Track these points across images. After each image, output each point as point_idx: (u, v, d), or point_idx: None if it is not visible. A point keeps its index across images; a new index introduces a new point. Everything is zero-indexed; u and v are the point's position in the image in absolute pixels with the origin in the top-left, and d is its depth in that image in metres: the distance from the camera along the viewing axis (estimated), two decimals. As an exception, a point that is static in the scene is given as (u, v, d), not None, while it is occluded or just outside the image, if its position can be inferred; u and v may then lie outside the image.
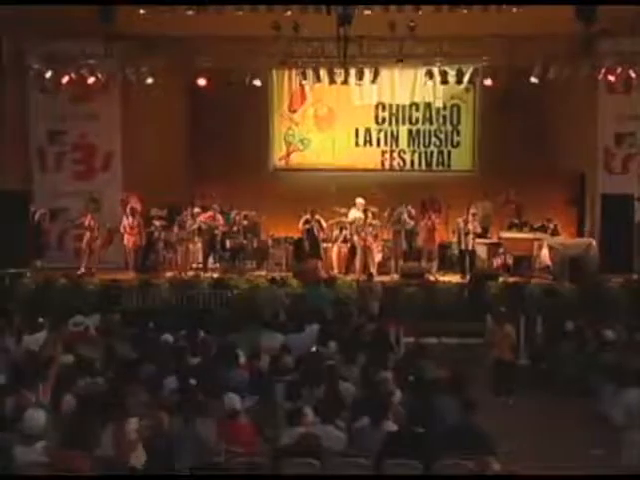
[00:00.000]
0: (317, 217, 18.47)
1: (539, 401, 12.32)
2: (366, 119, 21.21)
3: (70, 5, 15.11)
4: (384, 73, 19.53)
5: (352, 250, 18.19)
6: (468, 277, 17.46)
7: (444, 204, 19.26)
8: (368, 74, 18.58)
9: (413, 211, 18.42)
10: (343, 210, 18.74)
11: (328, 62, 18.16)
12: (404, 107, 21.11)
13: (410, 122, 21.17)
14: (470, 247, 17.85)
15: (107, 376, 9.61)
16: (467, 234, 17.79)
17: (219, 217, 18.43)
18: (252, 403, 9.00)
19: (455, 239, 18.42)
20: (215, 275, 17.66)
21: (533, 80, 17.82)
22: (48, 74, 17.78)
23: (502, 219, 19.46)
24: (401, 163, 21.33)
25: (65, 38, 17.38)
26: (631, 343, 12.66)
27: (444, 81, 18.94)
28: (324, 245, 18.57)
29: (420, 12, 15.61)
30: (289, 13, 15.67)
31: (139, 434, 7.38)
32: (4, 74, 18.01)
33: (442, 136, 21.20)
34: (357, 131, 21.25)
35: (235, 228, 18.38)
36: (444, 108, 21.08)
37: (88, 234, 17.88)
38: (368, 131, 21.23)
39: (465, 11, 15.48)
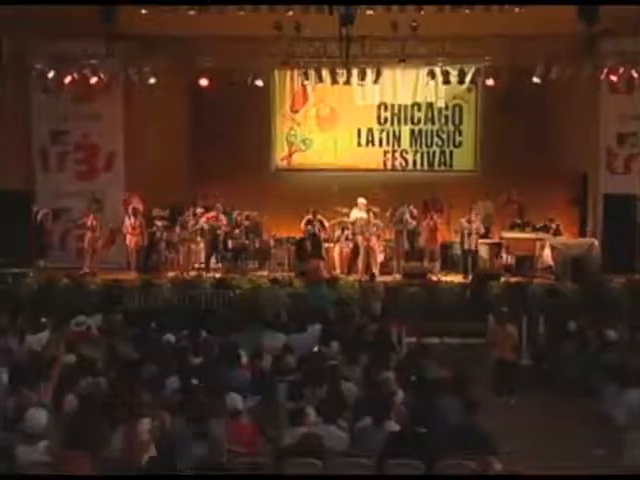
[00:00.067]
0: (319, 217, 18.51)
1: (541, 401, 12.31)
2: (368, 119, 21.21)
3: (72, 5, 15.12)
4: (386, 73, 19.55)
5: (354, 250, 18.19)
6: (470, 277, 17.46)
7: (446, 204, 19.27)
8: (370, 74, 18.59)
9: (415, 211, 18.43)
10: (345, 210, 18.75)
11: (330, 62, 18.14)
12: (406, 107, 21.11)
13: (412, 122, 21.17)
14: (473, 247, 17.85)
15: (109, 376, 9.61)
16: (470, 234, 17.79)
17: (222, 217, 18.43)
18: (254, 403, 8.98)
19: (458, 239, 18.44)
20: (217, 275, 17.67)
21: (535, 80, 17.81)
22: (50, 74, 17.80)
23: (504, 219, 19.45)
24: (403, 163, 21.33)
25: (67, 38, 17.40)
26: (633, 343, 12.66)
27: (446, 81, 18.91)
28: (326, 245, 18.56)
29: (422, 12, 15.60)
30: (291, 13, 15.67)
31: (151, 434, 7.36)
32: (6, 74, 18.00)
33: (444, 136, 21.20)
34: (359, 131, 21.25)
35: (237, 228, 18.39)
36: (446, 108, 21.08)
37: (90, 234, 17.90)
38: (370, 131, 21.23)
39: (467, 11, 15.47)
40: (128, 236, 18.24)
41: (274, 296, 16.04)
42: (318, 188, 19.71)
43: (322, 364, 10.00)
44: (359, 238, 17.96)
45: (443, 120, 21.14)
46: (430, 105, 21.05)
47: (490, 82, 18.63)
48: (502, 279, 17.33)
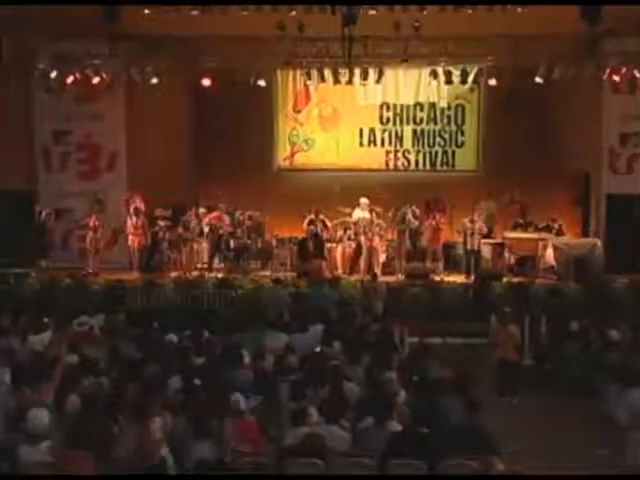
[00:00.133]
0: (321, 217, 18.49)
1: (543, 401, 12.31)
2: (370, 119, 21.20)
3: (75, 5, 15.13)
4: (388, 73, 19.57)
5: (356, 250, 18.19)
6: (473, 277, 17.45)
7: (448, 204, 19.25)
8: (372, 74, 18.56)
9: (417, 211, 18.41)
10: (347, 210, 18.75)
11: (333, 62, 18.13)
12: (408, 107, 21.09)
13: (414, 122, 21.16)
14: (476, 247, 17.83)
15: (111, 376, 9.62)
16: (473, 234, 17.77)
17: (225, 217, 18.44)
18: (256, 403, 8.99)
19: (460, 239, 18.41)
20: (219, 275, 17.68)
21: (538, 80, 17.78)
22: (53, 74, 17.79)
23: (506, 219, 19.42)
24: (405, 163, 21.31)
25: (70, 38, 17.40)
26: (636, 343, 12.65)
27: (448, 81, 18.90)
28: (328, 245, 18.56)
29: (425, 12, 15.59)
30: (294, 13, 15.66)
31: (164, 433, 7.35)
32: (9, 74, 18.02)
33: (446, 136, 21.19)
34: (361, 131, 21.24)
35: (239, 228, 18.39)
36: (448, 108, 21.06)
37: (92, 234, 17.91)
38: (372, 131, 21.22)
39: (470, 11, 15.44)
40: (130, 236, 18.26)
41: (276, 296, 16.05)
42: (320, 188, 19.70)
43: (324, 364, 10.00)
44: (361, 238, 17.96)
45: (445, 120, 21.13)
46: (432, 105, 21.03)
47: (492, 82, 18.61)
48: (504, 279, 17.33)
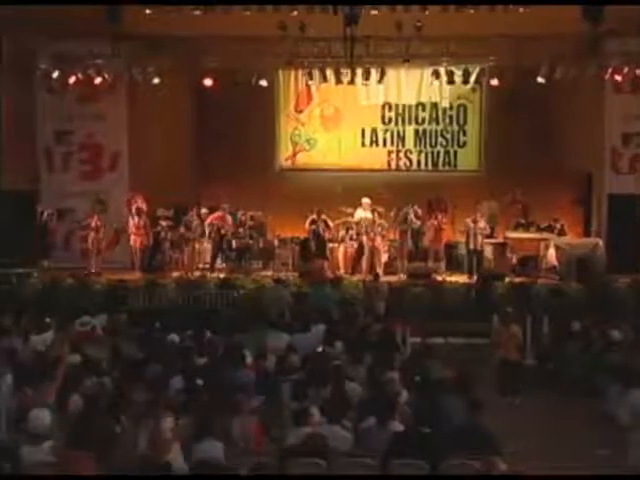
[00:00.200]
0: (323, 217, 18.47)
1: (545, 401, 12.30)
2: (372, 119, 21.21)
3: (77, 5, 15.14)
4: (390, 73, 19.55)
5: (358, 250, 18.19)
6: (475, 277, 17.45)
7: (450, 204, 19.23)
8: (375, 74, 18.54)
9: (419, 211, 18.41)
10: (349, 210, 18.74)
11: (335, 62, 18.14)
12: (410, 107, 21.10)
13: (416, 122, 21.17)
14: (478, 247, 17.84)
15: (114, 376, 9.63)
16: (475, 234, 17.78)
17: (227, 217, 18.45)
18: (258, 403, 8.99)
19: (462, 239, 18.44)
20: (221, 275, 17.68)
21: (540, 80, 17.78)
22: (55, 74, 17.80)
23: (508, 219, 19.42)
24: (407, 163, 21.32)
25: (72, 38, 17.42)
26: (638, 343, 12.67)
27: (451, 81, 18.90)
28: (330, 245, 18.56)
29: (427, 12, 15.61)
30: (295, 13, 15.67)
31: (175, 433, 7.36)
32: (11, 74, 18.03)
33: (448, 136, 21.19)
34: (363, 131, 21.25)
35: (241, 228, 18.40)
36: (450, 108, 21.08)
37: (94, 234, 17.92)
38: (374, 131, 21.23)
39: (472, 11, 15.46)
40: (132, 236, 18.26)
41: (278, 296, 16.05)
42: (322, 188, 19.69)
43: (326, 364, 10.00)
44: (363, 238, 17.96)
45: (447, 120, 21.14)
46: (434, 105, 21.04)
47: (494, 82, 18.61)
48: (507, 279, 17.31)
